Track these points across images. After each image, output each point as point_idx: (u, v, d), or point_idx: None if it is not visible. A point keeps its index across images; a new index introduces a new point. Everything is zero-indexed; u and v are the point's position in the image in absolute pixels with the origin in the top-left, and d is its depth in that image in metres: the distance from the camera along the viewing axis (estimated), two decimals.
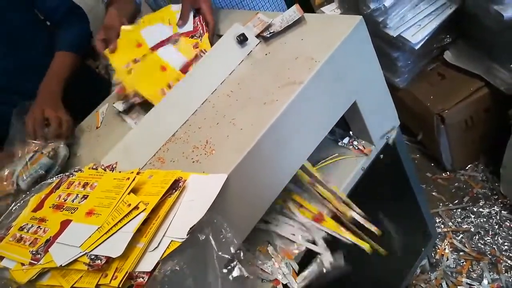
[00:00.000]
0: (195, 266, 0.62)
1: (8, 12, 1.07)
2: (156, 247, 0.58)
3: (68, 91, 1.21)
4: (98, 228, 0.59)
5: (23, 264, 0.61)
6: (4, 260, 0.63)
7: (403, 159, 1.02)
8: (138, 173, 0.67)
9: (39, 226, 0.66)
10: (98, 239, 0.57)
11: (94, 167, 0.75)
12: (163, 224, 0.60)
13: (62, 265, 0.56)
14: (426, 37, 1.36)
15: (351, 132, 0.97)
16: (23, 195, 0.76)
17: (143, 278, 0.55)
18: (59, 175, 0.79)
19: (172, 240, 0.58)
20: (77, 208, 0.65)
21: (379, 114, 0.91)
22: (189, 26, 0.95)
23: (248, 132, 0.71)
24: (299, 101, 0.72)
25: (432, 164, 1.70)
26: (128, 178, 0.65)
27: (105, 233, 0.58)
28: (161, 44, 0.93)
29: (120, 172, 0.73)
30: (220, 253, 0.66)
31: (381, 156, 0.97)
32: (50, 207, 0.69)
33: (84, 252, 0.56)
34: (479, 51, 1.40)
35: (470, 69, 1.41)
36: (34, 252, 0.61)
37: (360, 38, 0.78)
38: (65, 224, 0.63)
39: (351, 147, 0.95)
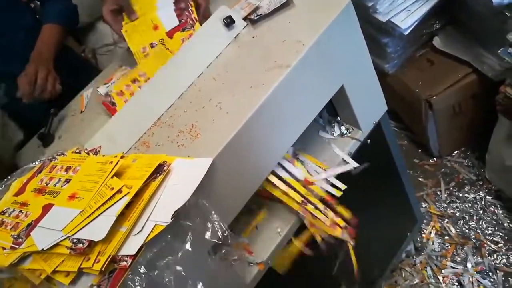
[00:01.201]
0: (181, 250, 0.62)
1: None
2: (140, 231, 0.57)
3: None
4: (81, 211, 0.58)
5: (4, 248, 0.60)
6: None
7: (390, 143, 1.03)
8: (122, 157, 0.66)
9: (21, 210, 0.65)
10: (80, 223, 0.56)
11: (77, 151, 0.74)
12: (147, 208, 0.59)
13: (44, 249, 0.55)
14: (416, 23, 1.36)
15: (338, 117, 0.97)
16: (5, 179, 0.75)
17: (126, 261, 0.54)
18: (41, 160, 0.77)
19: (156, 224, 0.57)
20: (60, 192, 0.64)
21: (367, 99, 0.91)
22: (175, 21, 0.91)
23: (234, 116, 0.70)
24: (286, 84, 0.71)
25: (420, 150, 1.71)
26: (112, 162, 0.64)
27: (88, 216, 0.57)
28: (177, 29, 0.90)
29: (104, 156, 0.72)
30: (207, 237, 0.66)
31: (368, 141, 0.97)
32: (32, 191, 0.68)
33: (66, 236, 0.56)
34: (468, 38, 1.40)
35: (459, 56, 1.41)
36: (15, 236, 0.60)
37: (347, 21, 0.78)
38: (47, 208, 0.62)
39: (336, 130, 0.95)
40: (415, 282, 1.36)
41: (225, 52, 0.86)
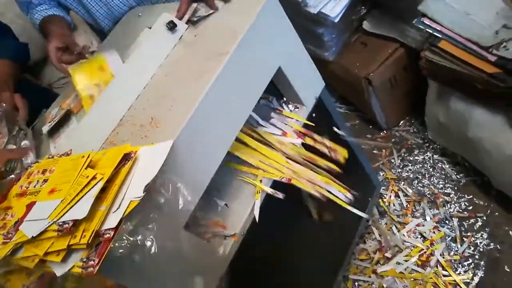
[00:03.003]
0: (157, 228, 0.70)
1: None
2: (118, 208, 0.64)
3: None
4: (62, 200, 0.65)
5: None
6: None
7: (332, 114, 1.14)
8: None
9: (6, 213, 0.71)
10: (63, 209, 0.63)
11: (49, 157, 0.81)
12: (121, 189, 0.67)
13: (34, 236, 0.62)
14: (344, 9, 1.51)
15: (284, 98, 1.08)
16: None
17: (109, 233, 0.62)
18: (16, 172, 0.83)
19: (131, 200, 0.65)
20: (40, 190, 0.70)
21: (304, 77, 1.03)
22: None
23: (187, 103, 0.79)
24: (228, 68, 0.81)
25: (370, 127, 1.86)
26: (83, 157, 0.71)
27: (69, 202, 0.64)
28: None
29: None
30: (180, 208, 0.74)
31: (313, 114, 1.08)
32: (13, 197, 0.74)
33: (53, 221, 0.63)
34: (391, 17, 1.56)
35: (386, 34, 1.57)
36: (5, 234, 0.66)
37: (273, 9, 0.89)
38: (30, 205, 0.68)
39: (286, 109, 1.06)
40: (382, 241, 1.48)
41: (172, 52, 0.95)
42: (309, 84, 1.06)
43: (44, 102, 1.28)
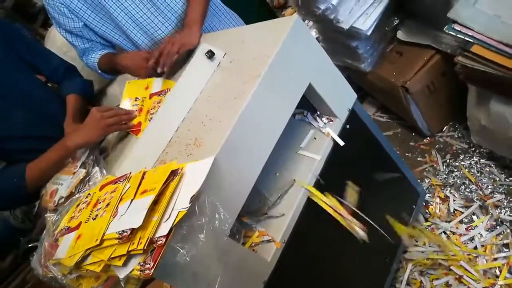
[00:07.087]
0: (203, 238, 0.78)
1: (13, 73, 1.25)
2: (168, 218, 0.74)
3: None
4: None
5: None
6: (59, 247, 0.81)
7: (368, 124, 1.18)
8: (144, 173, 0.85)
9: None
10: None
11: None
12: (170, 202, 0.76)
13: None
14: (375, 23, 1.55)
15: (318, 112, 1.14)
16: None
17: (162, 240, 0.71)
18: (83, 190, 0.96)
19: (179, 211, 0.74)
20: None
21: (335, 90, 1.08)
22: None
23: (226, 123, 0.88)
24: (262, 89, 0.89)
25: (413, 134, 1.85)
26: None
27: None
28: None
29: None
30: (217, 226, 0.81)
31: (347, 126, 1.13)
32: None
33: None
34: (424, 25, 1.57)
35: (421, 42, 1.58)
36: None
37: (300, 32, 0.96)
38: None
39: (320, 122, 1.12)
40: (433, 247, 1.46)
41: (212, 78, 1.05)
42: (340, 97, 1.11)
43: None
